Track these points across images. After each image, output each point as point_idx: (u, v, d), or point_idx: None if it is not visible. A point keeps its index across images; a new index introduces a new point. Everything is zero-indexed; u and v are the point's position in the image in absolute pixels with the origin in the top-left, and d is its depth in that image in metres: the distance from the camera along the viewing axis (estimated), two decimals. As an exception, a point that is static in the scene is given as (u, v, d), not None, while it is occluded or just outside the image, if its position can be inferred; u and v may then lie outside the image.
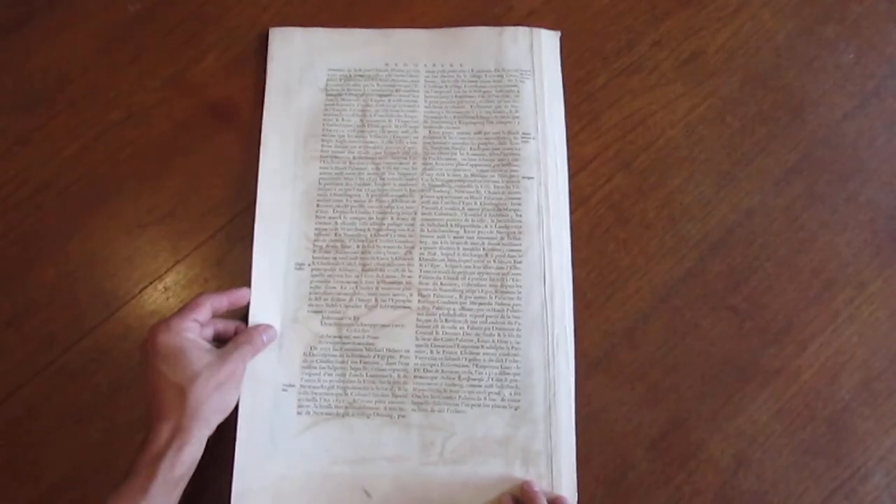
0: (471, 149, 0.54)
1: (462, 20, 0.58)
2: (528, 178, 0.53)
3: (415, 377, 0.49)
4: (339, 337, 0.50)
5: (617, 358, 0.51)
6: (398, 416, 0.49)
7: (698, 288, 0.52)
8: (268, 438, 0.47)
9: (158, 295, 0.52)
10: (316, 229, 0.52)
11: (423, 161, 0.54)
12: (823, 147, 0.55)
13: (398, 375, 0.49)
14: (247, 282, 0.52)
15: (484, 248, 0.52)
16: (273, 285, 0.51)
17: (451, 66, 0.56)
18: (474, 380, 0.49)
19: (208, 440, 0.44)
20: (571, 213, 0.53)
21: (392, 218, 0.52)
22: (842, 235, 0.53)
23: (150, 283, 0.52)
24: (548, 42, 0.56)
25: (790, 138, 0.55)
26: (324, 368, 0.50)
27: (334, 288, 0.51)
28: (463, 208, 0.53)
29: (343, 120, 0.55)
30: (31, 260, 0.52)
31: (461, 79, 0.56)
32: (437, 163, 0.54)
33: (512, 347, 0.50)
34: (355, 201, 0.53)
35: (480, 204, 0.53)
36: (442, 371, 0.49)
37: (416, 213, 0.52)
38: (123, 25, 0.58)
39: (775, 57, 0.57)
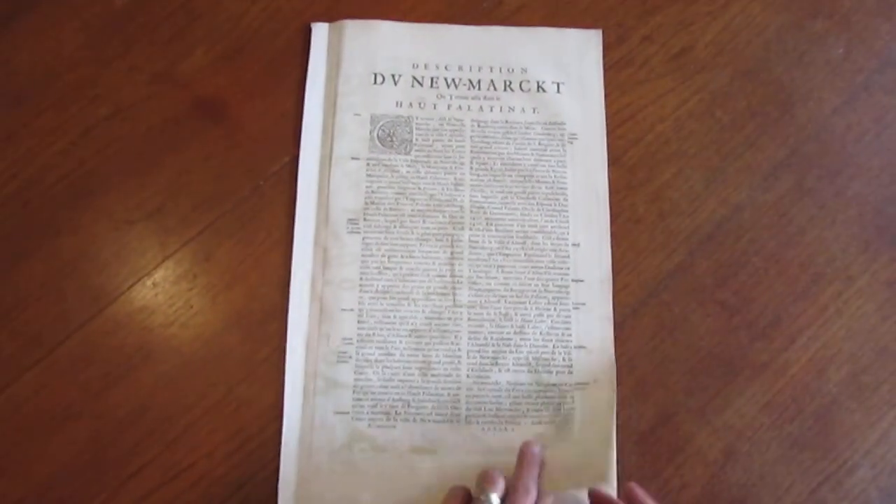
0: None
1: (451, 16, 0.58)
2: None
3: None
4: None
5: (606, 353, 0.51)
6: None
7: (687, 282, 0.52)
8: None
9: (147, 291, 0.52)
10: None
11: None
12: (812, 142, 0.55)
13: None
14: (236, 277, 0.52)
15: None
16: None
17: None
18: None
19: None
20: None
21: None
22: (830, 230, 0.54)
23: (139, 279, 0.52)
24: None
25: (779, 133, 0.56)
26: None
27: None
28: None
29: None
30: (17, 257, 0.52)
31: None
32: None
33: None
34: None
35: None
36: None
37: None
38: (110, 20, 0.57)
39: (765, 51, 0.57)
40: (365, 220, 0.53)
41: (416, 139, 0.55)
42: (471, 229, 0.53)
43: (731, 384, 0.51)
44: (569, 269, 0.52)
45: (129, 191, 0.54)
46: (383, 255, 0.52)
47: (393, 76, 0.56)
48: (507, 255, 0.52)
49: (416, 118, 0.55)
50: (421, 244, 0.53)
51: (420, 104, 0.56)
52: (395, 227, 0.53)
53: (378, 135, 0.55)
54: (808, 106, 0.56)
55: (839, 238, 0.54)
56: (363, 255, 0.52)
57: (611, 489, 0.48)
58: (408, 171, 0.54)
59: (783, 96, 0.56)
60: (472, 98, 0.56)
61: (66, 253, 0.52)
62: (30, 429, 0.49)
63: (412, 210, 0.53)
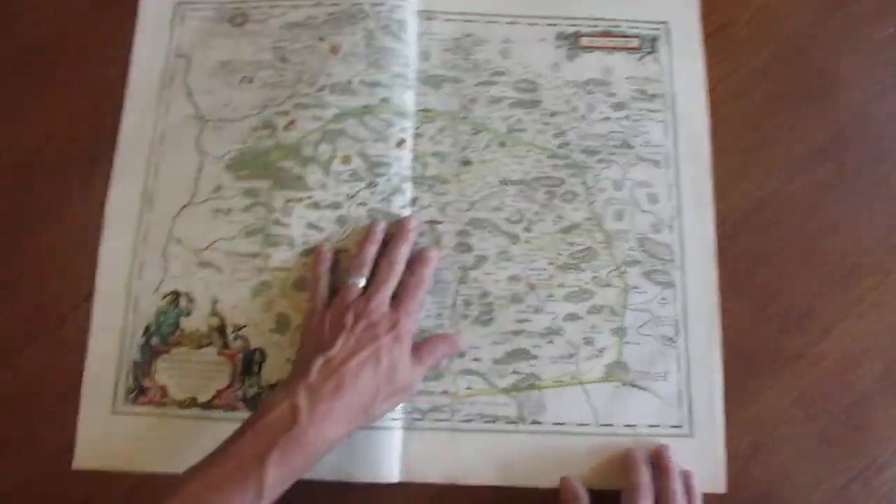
0: None
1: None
2: None
3: None
4: None
5: (633, 340, 0.49)
6: None
7: (718, 270, 0.50)
8: None
9: (158, 264, 0.50)
10: None
11: None
12: (853, 128, 0.53)
13: None
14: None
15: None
16: None
17: None
18: None
19: None
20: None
21: None
22: (867, 220, 0.52)
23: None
24: None
25: (818, 118, 0.53)
26: None
27: None
28: None
29: None
30: (25, 227, 0.50)
31: None
32: None
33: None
34: None
35: None
36: None
37: None
38: (122, -23, 0.55)
39: (807, 31, 0.55)
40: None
41: None
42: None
43: (761, 376, 0.49)
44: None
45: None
46: None
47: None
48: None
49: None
50: None
51: None
52: None
53: None
54: (849, 90, 0.54)
55: (876, 228, 0.51)
56: None
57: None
58: None
59: (824, 79, 0.54)
60: None
61: (76, 222, 0.50)
62: (37, 405, 0.47)
63: None
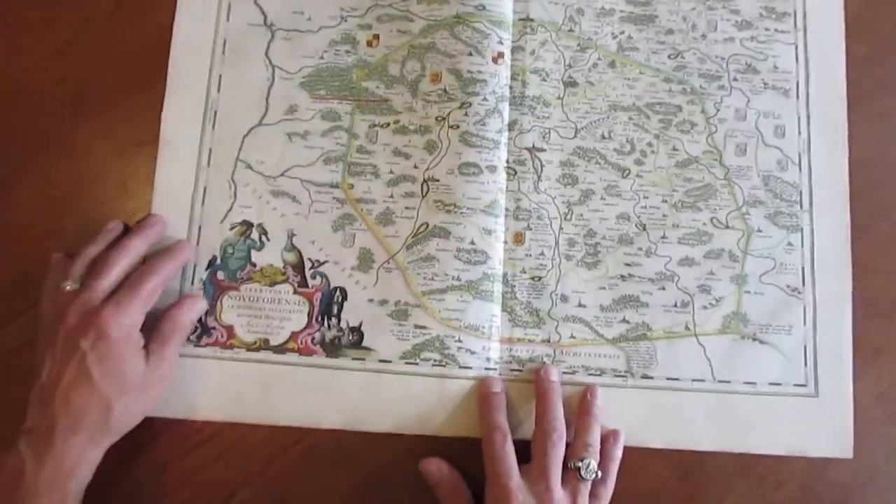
0: None
1: None
2: None
3: None
4: None
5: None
6: None
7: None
8: None
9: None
10: None
11: None
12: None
13: None
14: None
15: None
16: None
17: None
18: None
19: None
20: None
21: None
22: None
23: (148, 214, 0.46)
24: None
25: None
26: None
27: None
28: None
29: None
30: (4, 183, 0.46)
31: None
32: None
33: None
34: None
35: None
36: None
37: None
38: None
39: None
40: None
41: None
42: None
43: (842, 368, 0.45)
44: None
45: (135, 105, 0.47)
46: None
47: None
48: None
49: None
50: None
51: None
52: None
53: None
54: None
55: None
56: None
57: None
58: None
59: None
60: None
61: (62, 180, 0.47)
62: (21, 383, 0.42)
63: None
